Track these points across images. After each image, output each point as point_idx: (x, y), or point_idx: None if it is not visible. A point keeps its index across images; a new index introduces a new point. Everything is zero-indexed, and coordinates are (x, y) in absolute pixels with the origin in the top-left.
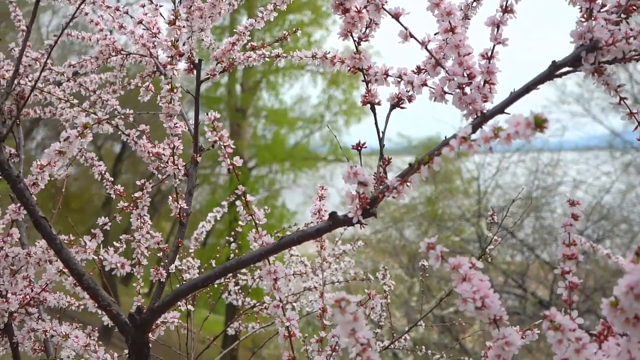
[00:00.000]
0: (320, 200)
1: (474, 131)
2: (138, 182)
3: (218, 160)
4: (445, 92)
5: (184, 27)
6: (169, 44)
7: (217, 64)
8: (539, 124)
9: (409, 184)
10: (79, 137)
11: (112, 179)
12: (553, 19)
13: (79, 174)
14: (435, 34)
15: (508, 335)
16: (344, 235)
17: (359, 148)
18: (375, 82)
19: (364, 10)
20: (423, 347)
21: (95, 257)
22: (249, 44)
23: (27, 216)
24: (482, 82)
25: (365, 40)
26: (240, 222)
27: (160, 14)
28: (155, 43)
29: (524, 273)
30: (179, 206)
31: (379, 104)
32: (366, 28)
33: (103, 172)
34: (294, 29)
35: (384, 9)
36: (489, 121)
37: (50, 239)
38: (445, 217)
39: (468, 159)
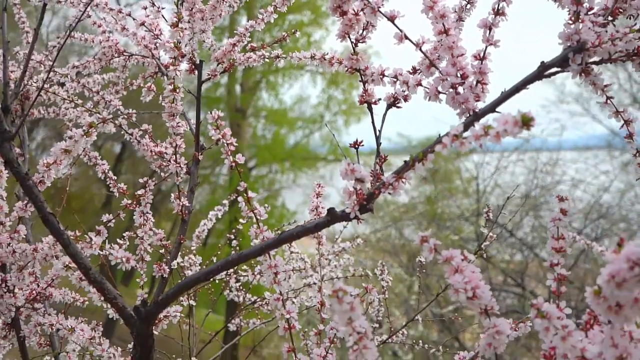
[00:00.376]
0: (317, 198)
1: (466, 129)
2: (141, 180)
3: (218, 160)
4: (439, 92)
5: (185, 29)
6: (172, 45)
7: (218, 65)
8: (526, 122)
9: (404, 180)
10: (84, 136)
11: (115, 178)
12: (544, 22)
13: (79, 174)
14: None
15: (499, 325)
16: (344, 235)
17: (357, 146)
18: (372, 82)
19: (360, 13)
20: (420, 341)
21: (101, 252)
22: (249, 45)
23: (32, 214)
24: (474, 82)
25: (362, 42)
26: (241, 221)
27: (163, 15)
28: (157, 44)
29: (523, 272)
30: (181, 204)
31: (375, 103)
32: (363, 30)
33: (106, 170)
34: (292, 31)
35: (380, 12)
36: (481, 120)
37: (58, 234)
38: (444, 217)
39: (467, 159)
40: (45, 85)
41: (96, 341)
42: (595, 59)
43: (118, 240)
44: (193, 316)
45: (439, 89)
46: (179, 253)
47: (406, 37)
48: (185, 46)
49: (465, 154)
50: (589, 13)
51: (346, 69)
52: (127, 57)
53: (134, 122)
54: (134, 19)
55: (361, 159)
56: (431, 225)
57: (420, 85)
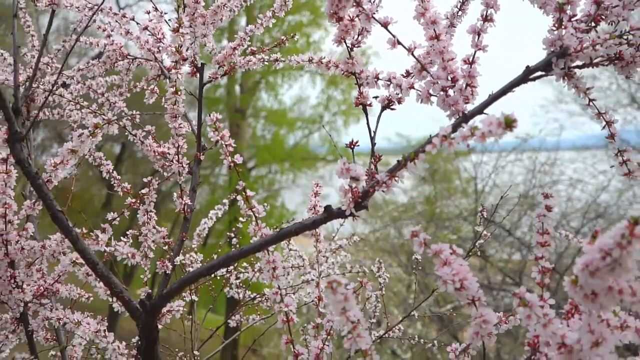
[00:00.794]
0: (316, 197)
1: (454, 130)
2: (145, 180)
3: (217, 161)
4: (431, 94)
5: (187, 33)
6: (174, 49)
7: (219, 68)
8: (509, 124)
9: (397, 178)
10: (91, 137)
11: (119, 177)
12: (530, 29)
13: (79, 175)
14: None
15: (485, 314)
16: (342, 234)
17: (352, 147)
18: (367, 85)
19: (356, 19)
20: (417, 336)
21: (107, 249)
22: (249, 48)
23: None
24: (464, 85)
25: (357, 46)
26: (240, 219)
27: (165, 20)
28: (160, 48)
29: (521, 271)
30: (183, 202)
31: (370, 105)
32: (358, 35)
33: (110, 170)
34: (291, 34)
35: (374, 18)
36: (470, 121)
37: (67, 230)
38: (443, 216)
39: (466, 159)
40: (51, 87)
41: (101, 334)
42: (578, 63)
43: (122, 238)
44: (194, 312)
45: (431, 91)
46: (181, 251)
47: (399, 43)
48: (187, 50)
49: (464, 153)
50: (573, 19)
51: (342, 72)
52: (131, 60)
53: (138, 123)
54: (137, 23)
55: (360, 159)
56: (430, 225)
57: (413, 88)
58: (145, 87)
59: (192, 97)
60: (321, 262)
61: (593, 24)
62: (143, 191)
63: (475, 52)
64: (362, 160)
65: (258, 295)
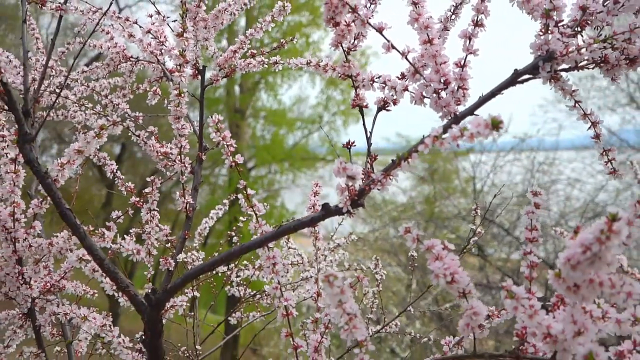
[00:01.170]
0: (315, 197)
1: (445, 131)
2: (147, 179)
3: (217, 162)
4: (424, 96)
5: (190, 38)
6: (177, 53)
7: (219, 70)
8: (495, 125)
9: (391, 177)
10: (96, 138)
11: (123, 177)
12: (520, 34)
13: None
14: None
15: (475, 306)
16: (340, 233)
17: (349, 147)
18: (363, 87)
19: (352, 24)
20: (412, 331)
21: (112, 246)
22: (249, 50)
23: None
24: (456, 88)
25: (354, 50)
26: (241, 219)
27: (167, 23)
28: (163, 51)
29: (520, 270)
30: (185, 201)
31: (366, 106)
32: (355, 39)
33: (114, 170)
34: (291, 37)
35: (369, 24)
36: (461, 122)
37: (75, 228)
38: (442, 216)
39: (465, 159)
40: (57, 89)
41: (107, 328)
42: (565, 66)
43: (125, 236)
44: (196, 308)
45: (424, 93)
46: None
47: (393, 47)
48: (189, 53)
49: (463, 153)
50: (560, 24)
51: (339, 75)
52: (134, 62)
53: (141, 124)
54: (140, 27)
55: (359, 159)
56: (429, 225)
57: (407, 90)
58: (147, 89)
59: (193, 98)
60: (320, 260)
61: (579, 29)
62: (146, 190)
63: (466, 55)
64: (360, 160)
65: (258, 292)
